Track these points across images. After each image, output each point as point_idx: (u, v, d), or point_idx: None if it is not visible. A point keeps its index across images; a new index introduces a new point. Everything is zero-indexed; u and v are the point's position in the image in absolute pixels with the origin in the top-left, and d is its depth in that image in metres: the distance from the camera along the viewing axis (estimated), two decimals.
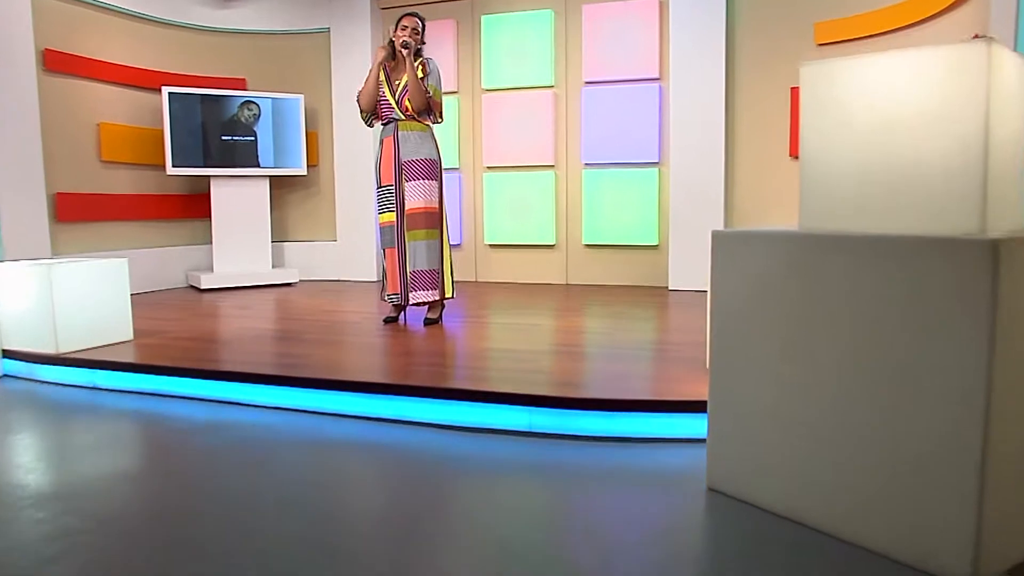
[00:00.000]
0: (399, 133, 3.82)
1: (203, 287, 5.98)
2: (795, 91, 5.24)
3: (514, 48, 6.01)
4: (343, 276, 6.59)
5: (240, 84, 6.47)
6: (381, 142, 3.93)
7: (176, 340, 3.89)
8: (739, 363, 2.14)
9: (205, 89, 6.04)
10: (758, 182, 5.45)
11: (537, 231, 6.11)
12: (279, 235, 6.66)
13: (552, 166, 6.04)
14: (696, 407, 2.62)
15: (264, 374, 3.10)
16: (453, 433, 2.73)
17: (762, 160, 5.43)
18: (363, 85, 3.90)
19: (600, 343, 3.71)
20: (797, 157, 5.13)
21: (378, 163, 3.95)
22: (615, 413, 2.68)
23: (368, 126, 4.04)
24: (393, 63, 3.92)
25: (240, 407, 3.09)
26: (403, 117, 3.80)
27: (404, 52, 3.78)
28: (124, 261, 3.86)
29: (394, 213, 3.86)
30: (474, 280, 6.38)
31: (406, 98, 3.81)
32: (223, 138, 6.07)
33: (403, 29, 3.83)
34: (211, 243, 6.25)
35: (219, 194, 6.11)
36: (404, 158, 3.79)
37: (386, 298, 4.10)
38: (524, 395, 2.73)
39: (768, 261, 2.06)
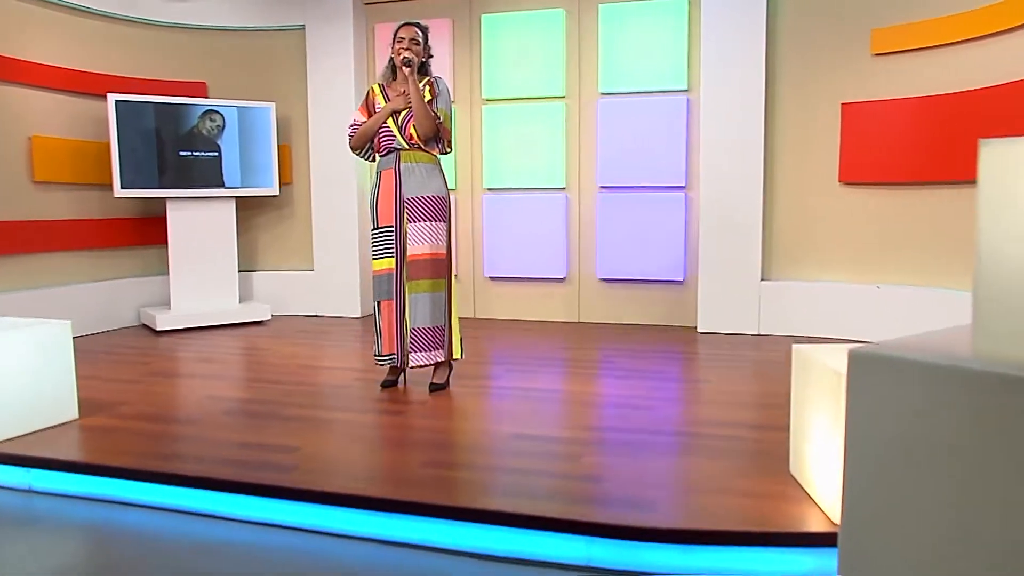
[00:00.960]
0: (401, 165, 3.50)
1: (159, 328, 5.49)
2: (847, 108, 4.90)
3: (519, 52, 5.64)
4: (321, 310, 6.19)
5: (200, 90, 5.99)
6: (379, 175, 3.60)
7: (130, 420, 3.42)
8: (884, 516, 1.72)
9: (159, 96, 5.57)
10: (802, 211, 5.12)
11: (545, 263, 5.73)
12: (247, 264, 6.23)
13: (563, 188, 5.68)
14: (802, 540, 2.22)
15: (238, 481, 2.65)
16: (485, 564, 2.29)
17: (807, 185, 5.10)
18: (357, 121, 3.58)
19: (643, 422, 3.29)
20: (847, 183, 4.84)
21: (375, 200, 3.62)
22: (697, 547, 2.26)
23: (366, 160, 3.69)
24: (393, 83, 3.61)
25: (211, 520, 2.63)
26: (407, 147, 3.51)
27: (406, 70, 3.45)
28: (67, 325, 3.37)
29: (393, 259, 3.53)
30: (472, 316, 6.02)
31: (411, 124, 3.49)
32: (181, 154, 5.61)
33: (400, 42, 3.50)
34: (168, 274, 5.76)
35: (177, 218, 5.65)
36: (407, 195, 3.48)
37: (379, 361, 3.73)
38: (581, 522, 2.30)
39: (930, 398, 1.63)
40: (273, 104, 5.89)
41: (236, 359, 4.77)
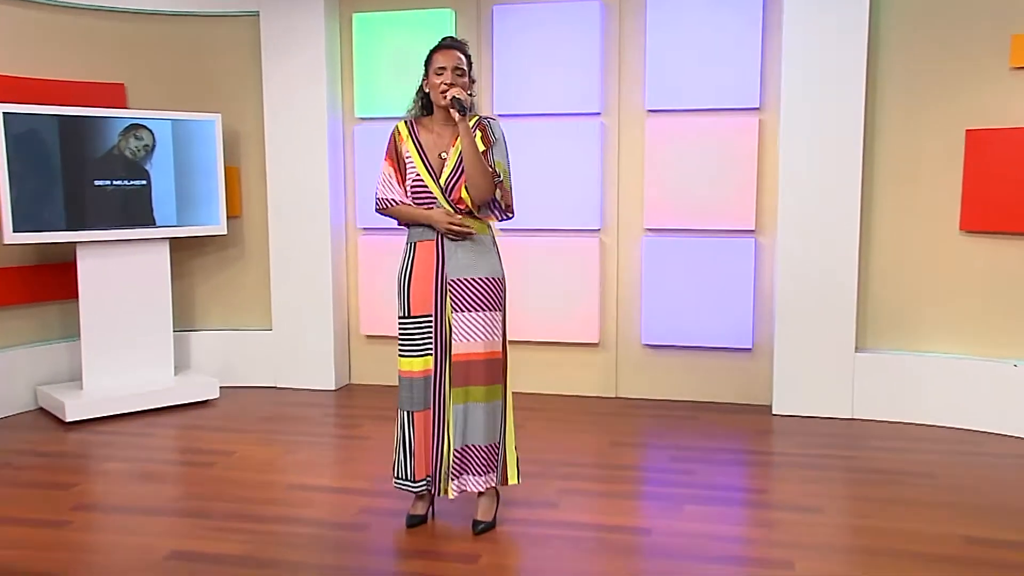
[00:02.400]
0: (444, 239, 3.06)
1: (69, 418, 4.56)
2: (973, 136, 4.34)
3: (542, 55, 4.97)
4: (283, 381, 5.41)
5: (116, 95, 5.12)
6: (412, 248, 3.14)
7: None
8: None
9: (64, 108, 4.65)
10: (910, 265, 4.59)
11: (573, 324, 5.08)
12: (185, 322, 5.41)
13: (597, 231, 5.05)
14: None
15: None
16: None
17: (917, 233, 4.56)
18: (388, 182, 3.11)
19: None
20: (971, 231, 4.30)
21: (406, 279, 3.14)
22: None
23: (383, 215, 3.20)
24: (425, 120, 3.13)
25: None
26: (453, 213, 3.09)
27: (455, 115, 2.94)
28: None
29: (431, 358, 3.08)
30: None
31: (462, 185, 3.02)
32: (97, 183, 4.75)
33: (440, 73, 2.98)
34: (77, 340, 4.88)
35: (91, 267, 4.79)
36: (453, 276, 3.04)
37: (402, 485, 3.21)
38: None
39: None
40: (218, 116, 5.09)
41: (185, 474, 3.91)
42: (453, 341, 3.04)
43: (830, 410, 4.63)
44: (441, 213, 3.04)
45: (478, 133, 3.01)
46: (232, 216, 5.30)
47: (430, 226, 3.07)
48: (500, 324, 3.09)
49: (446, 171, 3.03)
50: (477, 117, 3.07)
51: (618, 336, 5.08)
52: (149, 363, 4.98)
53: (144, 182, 4.88)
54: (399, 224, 3.18)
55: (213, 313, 5.48)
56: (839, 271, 4.56)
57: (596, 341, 5.07)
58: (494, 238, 3.15)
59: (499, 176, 3.02)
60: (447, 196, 3.02)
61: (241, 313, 5.47)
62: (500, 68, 5.02)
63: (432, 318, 3.07)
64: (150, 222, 4.90)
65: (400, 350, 3.14)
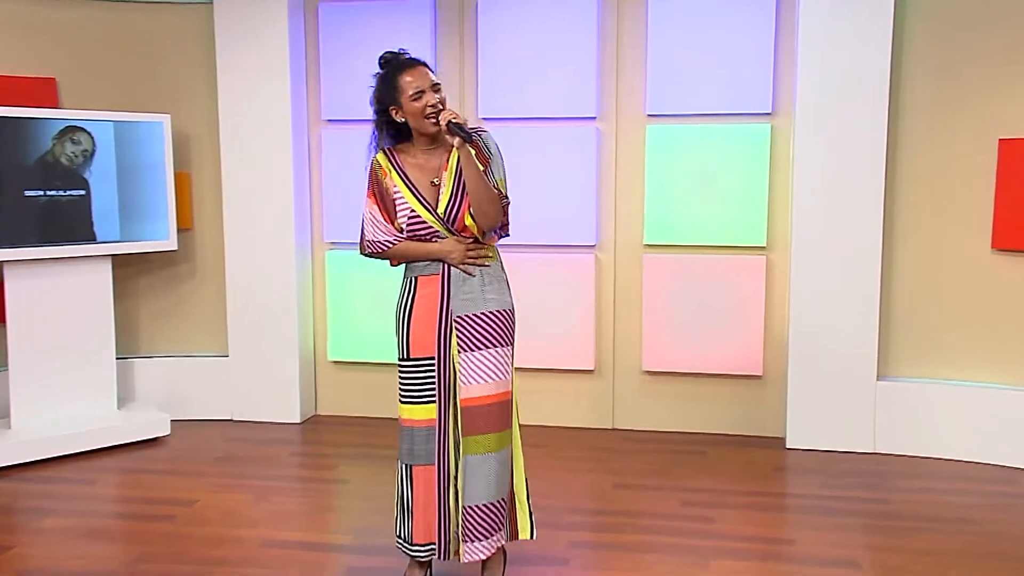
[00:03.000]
0: (450, 271, 2.89)
1: None
2: (1007, 146, 4.18)
3: (531, 52, 4.73)
4: (241, 414, 5.08)
5: (48, 92, 4.74)
6: (412, 284, 2.95)
7: None
8: None
9: None
10: (936, 285, 4.43)
11: (566, 349, 4.85)
12: (129, 348, 5.06)
13: (591, 247, 4.82)
14: None
15: None
16: None
17: (944, 251, 4.41)
18: (376, 223, 2.93)
19: None
20: (1004, 250, 4.17)
21: (406, 319, 2.95)
22: None
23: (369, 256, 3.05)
24: (407, 147, 2.92)
25: None
26: None
27: (454, 140, 2.74)
28: None
29: (435, 405, 2.90)
30: None
31: (465, 212, 2.85)
32: (28, 194, 4.39)
33: (417, 97, 2.78)
34: (6, 370, 4.54)
35: (21, 289, 4.43)
36: (460, 312, 2.88)
37: (402, 547, 3.01)
38: None
39: None
40: (166, 117, 4.76)
41: (140, 531, 3.54)
42: (460, 384, 2.86)
43: (849, 443, 4.46)
44: (454, 244, 2.85)
45: (471, 151, 2.79)
46: (183, 229, 4.96)
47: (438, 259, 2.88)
48: (510, 360, 2.93)
49: (443, 199, 2.83)
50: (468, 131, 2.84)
51: (615, 362, 4.86)
52: (88, 396, 4.61)
53: (83, 192, 4.52)
54: (392, 265, 2.99)
55: (161, 337, 5.13)
56: (859, 292, 4.39)
57: (591, 368, 4.84)
58: (502, 264, 2.98)
59: (506, 197, 2.87)
60: (450, 226, 2.84)
61: (193, 337, 5.13)
62: (485, 66, 4.76)
63: (435, 361, 2.88)
64: (90, 237, 4.54)
65: (401, 396, 2.94)
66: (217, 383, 5.07)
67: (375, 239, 2.91)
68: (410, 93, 2.77)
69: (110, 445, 4.52)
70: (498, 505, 2.89)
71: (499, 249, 2.98)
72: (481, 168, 2.80)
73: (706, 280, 4.66)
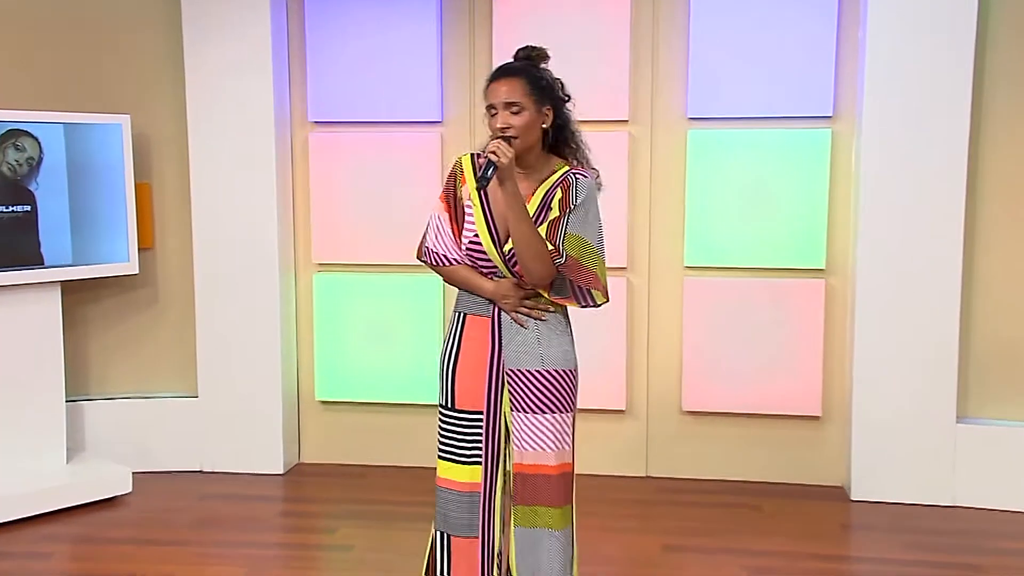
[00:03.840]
0: (501, 315, 2.73)
1: None
2: None
3: (554, 45, 4.12)
4: (215, 464, 4.70)
5: None
6: (461, 320, 2.79)
7: None
8: None
9: None
10: None
11: (594, 386, 4.41)
12: (79, 388, 4.68)
13: (623, 268, 4.53)
14: None
15: None
16: None
17: None
18: (440, 228, 2.78)
19: None
20: None
21: (451, 362, 2.79)
22: None
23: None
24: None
25: None
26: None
27: (482, 177, 2.52)
28: None
29: (481, 467, 2.75)
30: None
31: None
32: None
33: (493, 115, 2.62)
34: None
35: None
36: (512, 365, 2.72)
37: None
38: None
39: None
40: (125, 118, 4.40)
41: None
42: (515, 449, 2.70)
43: (925, 495, 4.19)
44: (510, 288, 2.66)
45: (558, 192, 2.60)
46: (144, 248, 4.57)
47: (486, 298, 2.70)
48: (571, 428, 2.76)
49: (507, 240, 2.63)
50: (566, 169, 2.66)
51: (650, 400, 4.59)
52: (33, 447, 4.19)
53: (28, 208, 4.11)
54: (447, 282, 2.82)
55: (117, 376, 4.76)
56: (936, 320, 4.15)
57: (623, 407, 4.56)
58: (567, 317, 2.76)
59: (560, 256, 2.58)
60: (510, 267, 2.65)
61: (156, 375, 4.77)
62: (500, 60, 4.38)
63: (485, 416, 2.71)
64: (36, 261, 4.16)
65: (440, 450, 2.77)
66: (185, 428, 4.71)
67: (435, 250, 2.73)
68: (488, 105, 2.61)
69: (61, 508, 4.07)
70: None
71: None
72: (554, 214, 2.59)
73: (756, 307, 4.42)
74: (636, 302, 4.50)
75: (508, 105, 2.55)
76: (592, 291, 2.66)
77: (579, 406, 4.10)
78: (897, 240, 4.14)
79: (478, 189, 2.54)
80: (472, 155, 2.73)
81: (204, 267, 4.60)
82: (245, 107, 4.47)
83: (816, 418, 4.42)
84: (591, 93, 4.29)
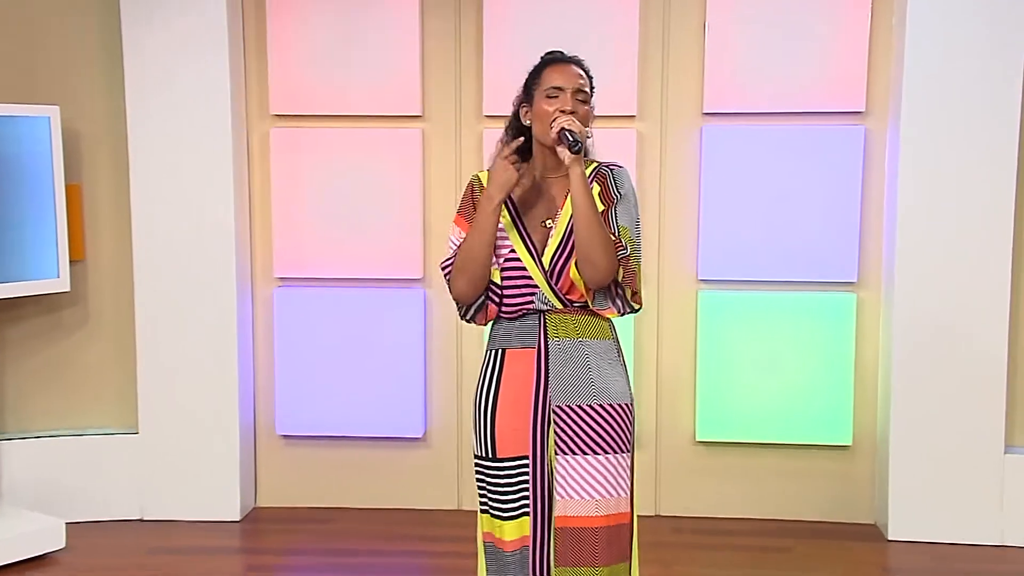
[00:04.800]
0: (550, 343, 2.60)
1: None
2: None
3: (550, 35, 3.97)
4: (157, 511, 4.23)
5: None
6: (499, 357, 2.68)
7: None
8: None
9: None
10: None
11: None
12: None
13: None
14: None
15: None
16: None
17: None
18: (458, 246, 2.71)
19: None
20: None
21: (488, 405, 2.68)
22: None
23: (469, 321, 2.74)
24: (522, 168, 2.65)
25: None
26: (559, 306, 2.63)
27: (565, 155, 2.50)
28: None
29: (529, 519, 2.61)
30: (455, 508, 4.36)
31: (571, 263, 2.58)
32: None
33: (554, 96, 2.57)
34: None
35: None
36: (559, 401, 2.60)
37: None
38: None
39: None
40: (54, 109, 4.02)
41: None
42: (558, 499, 2.54)
43: (970, 534, 3.92)
44: (499, 166, 2.53)
45: (596, 186, 2.57)
46: (74, 260, 4.16)
47: (519, 319, 2.58)
48: (629, 471, 2.60)
49: (551, 245, 2.53)
50: (596, 164, 2.62)
51: (659, 430, 4.30)
52: None
53: None
54: (474, 313, 2.61)
55: (39, 410, 4.33)
56: (981, 342, 3.92)
57: None
58: (618, 343, 2.63)
59: (624, 249, 2.52)
60: (552, 283, 2.54)
61: (87, 408, 4.35)
62: (491, 55, 4.14)
63: (531, 461, 2.56)
64: None
65: (483, 504, 2.64)
66: (123, 471, 4.26)
67: (448, 256, 2.63)
68: (546, 88, 2.53)
69: None
70: None
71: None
72: (600, 208, 2.52)
73: (778, 324, 4.15)
74: (644, 319, 4.19)
75: (577, 92, 2.52)
76: (635, 292, 2.59)
77: None
78: (938, 251, 3.93)
79: (573, 150, 2.42)
80: (489, 170, 2.64)
81: (145, 282, 4.19)
82: (195, 98, 4.09)
83: (846, 447, 4.14)
84: (600, 84, 4.02)
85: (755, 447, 4.21)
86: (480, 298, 2.60)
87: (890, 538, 3.94)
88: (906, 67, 3.87)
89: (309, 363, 4.19)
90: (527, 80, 2.63)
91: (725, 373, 4.18)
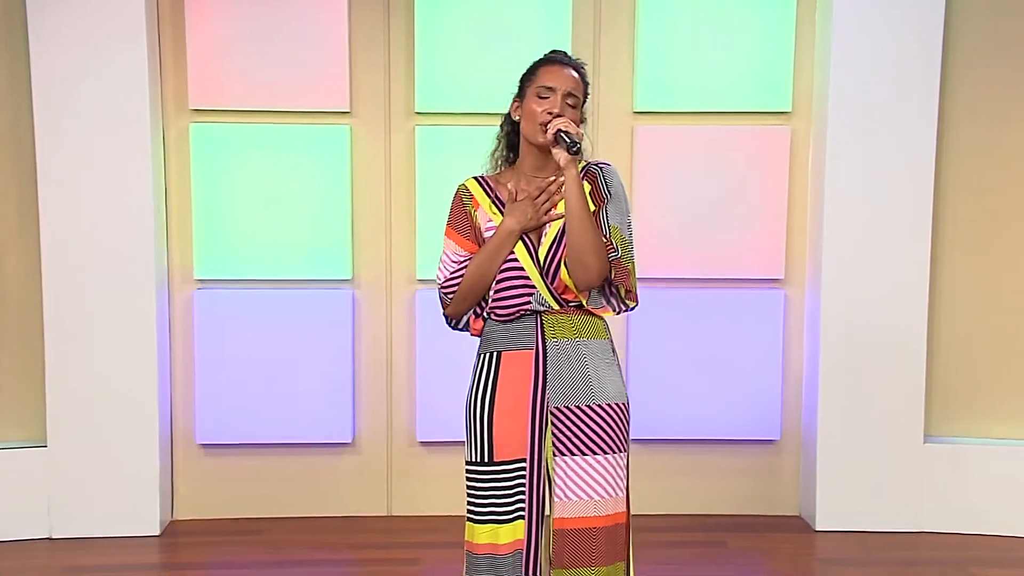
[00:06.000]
0: (548, 344, 2.58)
1: None
2: None
3: (485, 31, 4.07)
4: (66, 528, 3.94)
5: None
6: (494, 360, 2.64)
7: None
8: None
9: None
10: (997, 325, 4.13)
11: None
12: None
13: None
14: None
15: None
16: None
17: (1006, 284, 4.12)
18: (457, 260, 2.69)
19: None
20: None
21: (485, 408, 2.63)
22: None
23: (456, 328, 2.76)
24: (505, 172, 2.71)
25: None
26: (556, 306, 2.60)
27: (560, 156, 2.50)
28: None
29: (523, 524, 2.59)
30: (385, 514, 4.22)
31: (563, 261, 2.56)
32: None
33: (545, 96, 2.55)
34: None
35: None
36: (558, 402, 2.59)
37: None
38: None
39: None
40: None
41: None
42: (557, 500, 2.52)
43: (893, 522, 4.02)
44: (523, 204, 2.50)
45: (586, 185, 2.55)
46: None
47: (515, 321, 2.53)
48: (625, 471, 2.60)
49: (545, 244, 2.52)
50: (585, 164, 2.59)
51: None
52: None
53: None
54: (473, 334, 2.65)
55: None
56: (902, 335, 4.02)
57: None
58: (613, 343, 2.62)
59: (616, 250, 2.52)
60: (548, 282, 2.52)
61: None
62: (424, 49, 4.02)
63: (528, 465, 2.53)
64: None
65: (472, 514, 2.56)
66: (29, 486, 3.94)
67: (446, 272, 2.59)
68: (538, 86, 2.51)
69: None
70: None
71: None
72: (592, 207, 2.52)
73: (708, 323, 4.16)
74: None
75: (568, 95, 2.50)
76: (629, 291, 2.58)
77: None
78: (861, 245, 4.00)
79: (571, 152, 2.40)
80: (477, 178, 2.65)
81: (55, 286, 3.90)
82: (110, 91, 3.82)
83: (772, 442, 4.21)
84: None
85: (685, 444, 4.21)
86: (467, 312, 2.64)
87: (817, 529, 4.01)
88: (832, 68, 3.92)
89: (231, 369, 4.01)
90: (522, 76, 2.61)
91: (654, 372, 4.16)
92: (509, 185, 2.57)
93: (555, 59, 2.61)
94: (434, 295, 4.08)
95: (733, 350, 4.16)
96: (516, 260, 2.54)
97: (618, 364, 2.63)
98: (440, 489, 4.15)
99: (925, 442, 4.03)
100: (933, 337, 4.11)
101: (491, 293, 2.58)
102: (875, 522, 4.02)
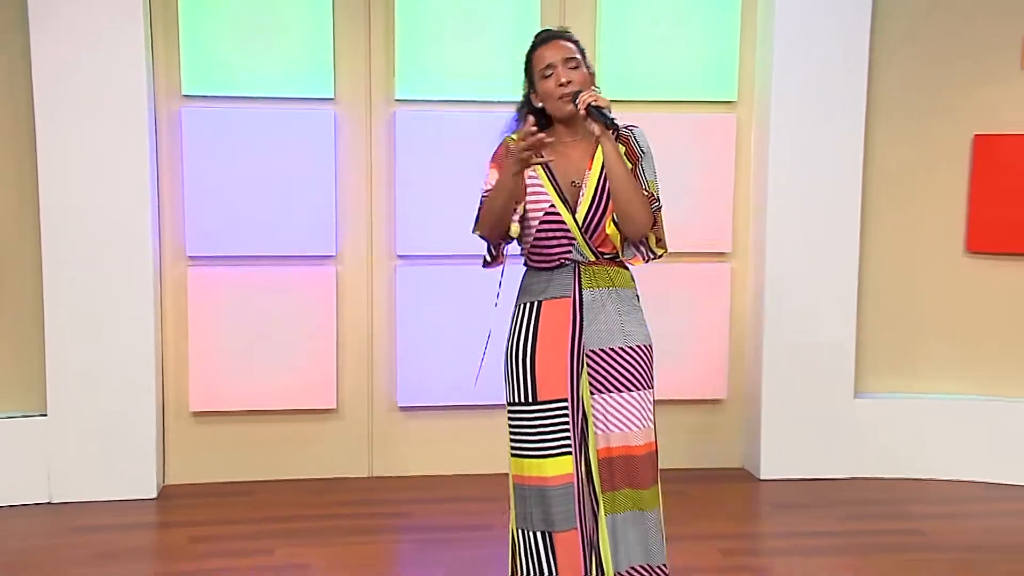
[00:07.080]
0: (583, 294, 2.74)
1: None
2: (982, 142, 4.34)
3: (462, 21, 4.27)
4: (67, 493, 4.07)
5: None
6: (534, 309, 2.77)
7: None
8: None
9: None
10: (914, 292, 4.51)
11: (496, 380, 4.31)
12: None
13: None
14: None
15: None
16: None
17: (921, 255, 4.49)
18: (485, 191, 2.82)
19: None
20: (979, 252, 4.37)
21: (527, 351, 2.76)
22: None
23: (492, 261, 2.87)
24: (550, 144, 2.69)
25: None
26: (593, 258, 2.76)
27: (597, 129, 2.60)
28: None
29: (570, 457, 2.69)
30: (367, 475, 4.42)
31: (608, 219, 2.71)
32: None
33: (548, 73, 2.68)
34: None
35: None
36: (594, 345, 2.74)
37: None
38: None
39: None
40: None
41: None
42: (599, 433, 2.70)
43: (825, 469, 4.39)
44: (516, 143, 2.54)
45: (621, 147, 2.69)
46: None
47: (555, 269, 2.68)
48: (652, 404, 2.80)
49: (584, 204, 2.65)
50: (616, 127, 2.69)
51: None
52: None
53: None
54: (486, 265, 2.81)
55: None
56: (834, 302, 4.37)
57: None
58: (638, 292, 2.79)
59: (657, 200, 2.73)
60: (587, 237, 2.68)
61: None
62: (404, 41, 4.21)
63: (568, 403, 2.67)
64: None
65: (518, 450, 2.69)
66: (30, 453, 4.05)
67: (479, 201, 2.72)
68: (540, 69, 2.66)
69: None
70: (660, 572, 2.72)
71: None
72: (630, 165, 2.66)
73: (658, 291, 4.22)
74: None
75: (567, 61, 2.63)
76: (659, 239, 2.75)
77: (482, 403, 4.14)
78: (799, 220, 4.30)
79: (607, 125, 2.52)
80: (510, 141, 2.72)
81: (54, 259, 4.00)
82: (108, 77, 3.95)
83: (719, 401, 4.53)
84: (504, 66, 4.00)
85: None
86: (500, 243, 2.76)
87: (762, 477, 4.35)
88: (776, 58, 4.20)
89: (222, 342, 4.18)
90: (524, 69, 2.76)
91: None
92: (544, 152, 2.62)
93: (542, 39, 2.74)
94: (413, 271, 4.34)
95: (684, 318, 4.41)
96: (559, 215, 2.66)
97: (641, 310, 2.79)
98: (419, 451, 4.38)
99: (856, 397, 4.38)
100: (863, 304, 4.44)
101: (530, 240, 2.71)
102: (814, 470, 4.35)
